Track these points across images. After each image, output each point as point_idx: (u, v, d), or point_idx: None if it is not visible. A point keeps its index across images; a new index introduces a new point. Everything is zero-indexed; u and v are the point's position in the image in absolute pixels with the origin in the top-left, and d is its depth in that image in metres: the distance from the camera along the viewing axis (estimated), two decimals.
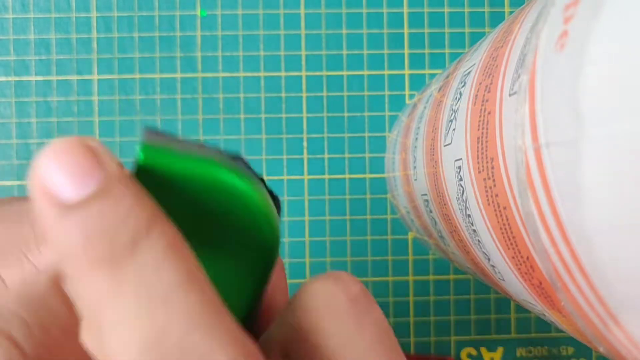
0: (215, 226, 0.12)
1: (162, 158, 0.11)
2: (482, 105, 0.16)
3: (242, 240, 0.13)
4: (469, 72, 0.18)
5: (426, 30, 0.34)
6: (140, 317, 0.10)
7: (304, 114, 0.33)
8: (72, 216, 0.10)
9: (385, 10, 0.34)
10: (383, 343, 0.12)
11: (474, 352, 0.33)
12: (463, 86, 0.18)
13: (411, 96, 0.34)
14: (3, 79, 0.33)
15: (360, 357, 0.12)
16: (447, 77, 0.22)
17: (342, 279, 0.13)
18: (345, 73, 0.33)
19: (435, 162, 0.20)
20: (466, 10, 0.34)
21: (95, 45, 0.33)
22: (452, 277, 0.33)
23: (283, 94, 0.33)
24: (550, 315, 0.16)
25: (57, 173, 0.10)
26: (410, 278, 0.34)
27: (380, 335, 0.12)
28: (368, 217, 0.34)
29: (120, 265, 0.10)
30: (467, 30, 0.34)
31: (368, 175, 0.34)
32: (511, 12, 0.33)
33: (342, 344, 0.12)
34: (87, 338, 0.11)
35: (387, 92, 0.34)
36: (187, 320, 0.10)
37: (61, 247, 0.10)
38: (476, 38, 0.33)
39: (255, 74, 0.33)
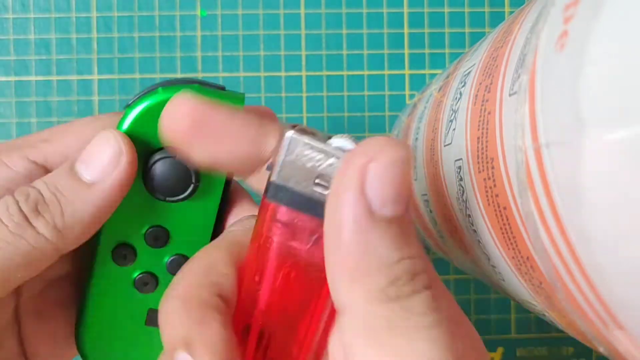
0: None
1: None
2: (482, 105, 0.16)
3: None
4: (469, 72, 0.18)
5: (426, 30, 0.34)
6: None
7: (304, 114, 0.33)
8: (381, 229, 0.12)
9: (385, 10, 0.34)
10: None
11: None
12: (463, 86, 0.18)
13: (411, 96, 0.34)
14: (3, 79, 0.33)
15: None
16: (447, 77, 0.22)
17: None
18: (345, 73, 0.33)
19: (435, 162, 0.20)
20: (466, 10, 0.34)
21: (95, 45, 0.33)
22: (452, 277, 0.33)
23: (283, 94, 0.33)
24: (551, 316, 0.16)
25: (383, 183, 0.12)
26: None
27: None
28: None
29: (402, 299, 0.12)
30: (467, 30, 0.34)
31: None
32: (511, 12, 0.33)
33: None
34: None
35: (387, 92, 0.34)
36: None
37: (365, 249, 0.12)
38: (476, 38, 0.33)
39: (255, 74, 0.33)
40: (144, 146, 0.16)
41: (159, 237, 0.17)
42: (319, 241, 0.13)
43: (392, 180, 0.11)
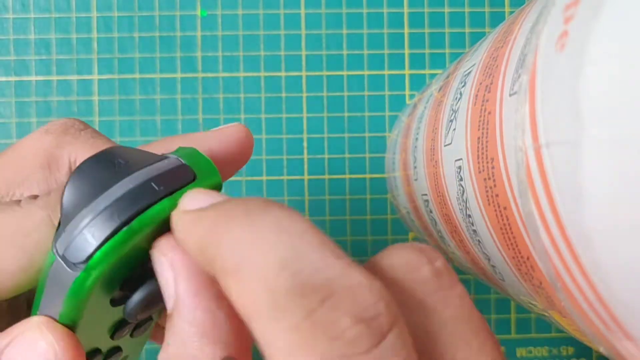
0: None
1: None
2: (483, 105, 0.16)
3: None
4: (469, 72, 0.18)
5: (426, 30, 0.34)
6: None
7: (304, 114, 0.33)
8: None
9: (385, 10, 0.34)
10: (469, 321, 0.11)
11: None
12: (463, 86, 0.18)
13: (411, 96, 0.34)
14: (3, 79, 0.33)
15: (446, 338, 0.11)
16: (448, 77, 0.22)
17: (425, 251, 0.12)
18: (345, 73, 0.33)
19: (436, 162, 0.20)
20: (466, 10, 0.34)
21: (95, 45, 0.33)
22: None
23: (283, 94, 0.33)
24: (551, 316, 0.16)
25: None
26: None
27: (465, 312, 0.12)
28: (368, 217, 0.34)
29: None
30: (467, 30, 0.34)
31: (368, 176, 0.34)
32: (511, 12, 0.33)
33: (422, 319, 0.11)
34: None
35: (387, 92, 0.34)
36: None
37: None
38: (476, 38, 0.33)
39: (256, 74, 0.33)
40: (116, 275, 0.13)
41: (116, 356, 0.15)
42: None
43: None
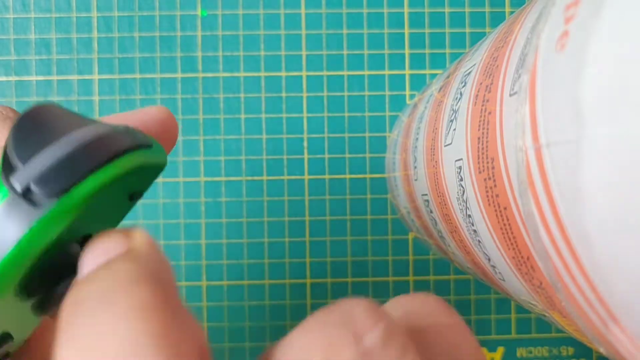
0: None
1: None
2: (483, 105, 0.16)
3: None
4: (470, 72, 0.18)
5: (427, 31, 0.34)
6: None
7: (305, 114, 0.33)
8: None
9: (385, 10, 0.34)
10: None
11: None
12: (464, 86, 0.18)
13: (412, 96, 0.34)
14: (3, 78, 0.33)
15: None
16: (448, 77, 0.22)
17: (357, 320, 0.09)
18: (345, 73, 0.33)
19: (436, 162, 0.20)
20: (467, 10, 0.34)
21: (95, 45, 0.33)
22: (452, 277, 0.33)
23: (283, 94, 0.33)
24: (551, 316, 0.16)
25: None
26: (411, 278, 0.34)
27: None
28: (368, 217, 0.34)
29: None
30: (467, 30, 0.34)
31: (368, 175, 0.34)
32: (512, 12, 0.33)
33: None
34: None
35: (387, 92, 0.34)
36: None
37: None
38: (477, 38, 0.33)
39: (256, 74, 0.33)
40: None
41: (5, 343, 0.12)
42: None
43: None
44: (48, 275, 0.11)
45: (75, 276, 0.10)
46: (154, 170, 0.12)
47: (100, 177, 0.10)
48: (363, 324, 0.09)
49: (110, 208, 0.12)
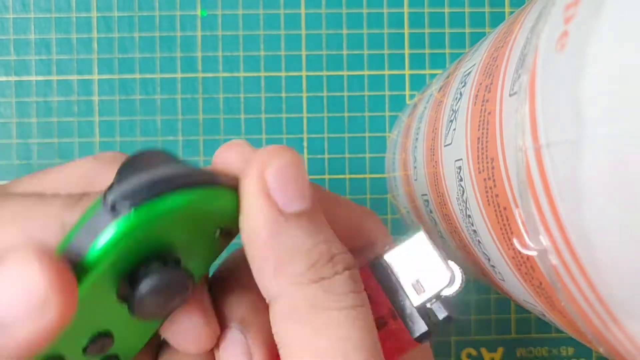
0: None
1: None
2: (483, 105, 0.16)
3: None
4: (470, 72, 0.18)
5: (426, 31, 0.34)
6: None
7: (304, 114, 0.33)
8: (292, 223, 0.13)
9: (385, 10, 0.34)
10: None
11: (474, 352, 0.33)
12: (463, 86, 0.18)
13: (411, 96, 0.34)
14: (3, 78, 0.33)
15: None
16: (448, 77, 0.22)
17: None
18: (345, 73, 0.33)
19: (436, 162, 0.20)
20: (466, 10, 0.34)
21: (95, 45, 0.33)
22: None
23: (283, 94, 0.33)
24: (551, 316, 0.16)
25: (282, 184, 0.13)
26: None
27: None
28: None
29: (324, 280, 0.13)
30: (467, 30, 0.34)
31: (368, 176, 0.34)
32: (511, 13, 0.33)
33: None
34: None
35: (387, 92, 0.34)
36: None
37: (282, 248, 0.13)
38: (476, 38, 0.33)
39: (256, 74, 0.33)
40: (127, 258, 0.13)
41: (103, 345, 0.14)
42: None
43: (288, 180, 0.13)
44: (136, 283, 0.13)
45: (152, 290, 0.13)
46: (229, 212, 0.14)
47: (169, 200, 0.12)
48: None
49: (197, 239, 0.14)
